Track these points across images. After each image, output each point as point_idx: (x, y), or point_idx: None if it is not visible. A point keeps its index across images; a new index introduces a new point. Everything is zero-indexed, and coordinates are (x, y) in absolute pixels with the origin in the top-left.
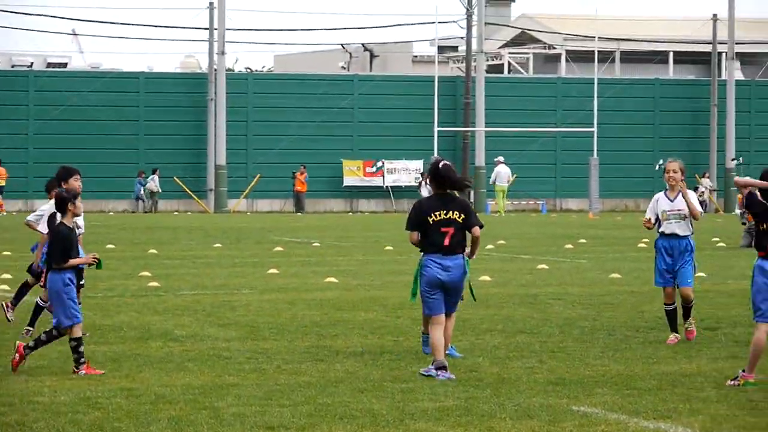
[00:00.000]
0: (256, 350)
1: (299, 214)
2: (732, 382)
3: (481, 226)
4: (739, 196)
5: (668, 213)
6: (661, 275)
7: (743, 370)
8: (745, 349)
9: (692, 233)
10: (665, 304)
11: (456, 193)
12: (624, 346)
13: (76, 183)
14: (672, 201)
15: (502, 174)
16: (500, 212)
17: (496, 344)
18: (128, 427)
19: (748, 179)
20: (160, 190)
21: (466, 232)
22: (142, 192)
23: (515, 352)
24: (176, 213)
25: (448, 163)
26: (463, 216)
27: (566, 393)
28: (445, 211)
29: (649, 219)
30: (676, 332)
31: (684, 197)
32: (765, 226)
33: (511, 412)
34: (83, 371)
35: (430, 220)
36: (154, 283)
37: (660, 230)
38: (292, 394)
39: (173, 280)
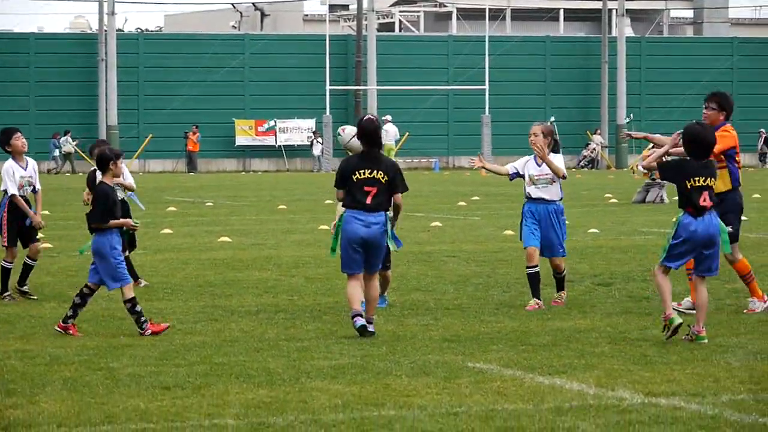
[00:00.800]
0: (150, 310)
1: (192, 174)
2: (686, 338)
3: (404, 190)
4: (646, 152)
5: (536, 177)
6: (530, 236)
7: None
8: (639, 304)
9: (561, 198)
10: (527, 267)
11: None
12: (518, 302)
13: (18, 142)
14: (539, 166)
15: (390, 133)
16: None
17: (391, 302)
18: (23, 389)
19: (651, 157)
20: (73, 151)
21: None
22: (57, 153)
23: (410, 310)
24: (68, 174)
25: (372, 117)
26: (386, 178)
27: (461, 350)
28: (369, 171)
29: (507, 170)
30: (539, 298)
31: (545, 161)
32: (692, 182)
33: (407, 369)
34: (149, 330)
35: (354, 178)
36: (47, 245)
37: (527, 193)
38: (187, 354)
39: (66, 242)
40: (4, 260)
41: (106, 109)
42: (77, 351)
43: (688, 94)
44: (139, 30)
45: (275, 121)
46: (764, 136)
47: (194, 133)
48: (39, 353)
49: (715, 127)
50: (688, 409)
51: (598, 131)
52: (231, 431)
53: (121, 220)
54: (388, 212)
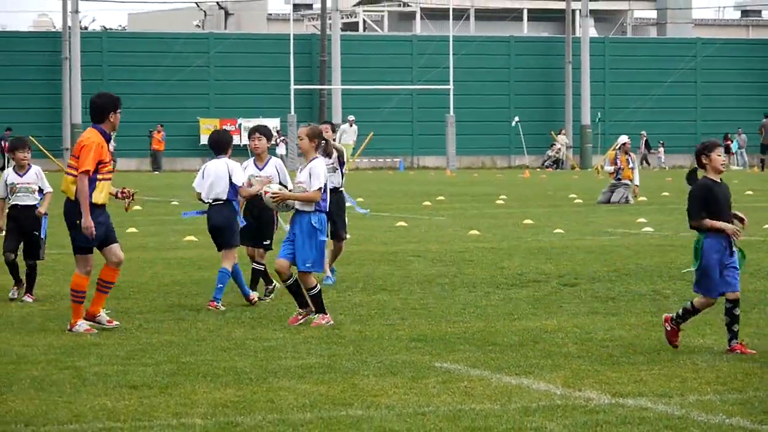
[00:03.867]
0: (117, 309)
1: (156, 172)
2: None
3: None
4: (611, 152)
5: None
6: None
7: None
8: (605, 304)
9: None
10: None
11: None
12: (485, 302)
13: (252, 143)
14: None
15: (350, 132)
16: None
17: (357, 302)
18: None
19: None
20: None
21: None
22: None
23: (377, 310)
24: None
25: None
26: None
27: (429, 350)
28: None
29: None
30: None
31: (292, 199)
32: None
33: (374, 369)
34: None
35: None
36: None
37: None
38: (154, 353)
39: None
40: (254, 262)
41: (70, 108)
42: (44, 350)
43: (652, 94)
44: (103, 28)
45: (240, 121)
46: (645, 138)
47: (159, 132)
48: (6, 352)
49: None
50: (655, 409)
51: (563, 131)
52: (198, 430)
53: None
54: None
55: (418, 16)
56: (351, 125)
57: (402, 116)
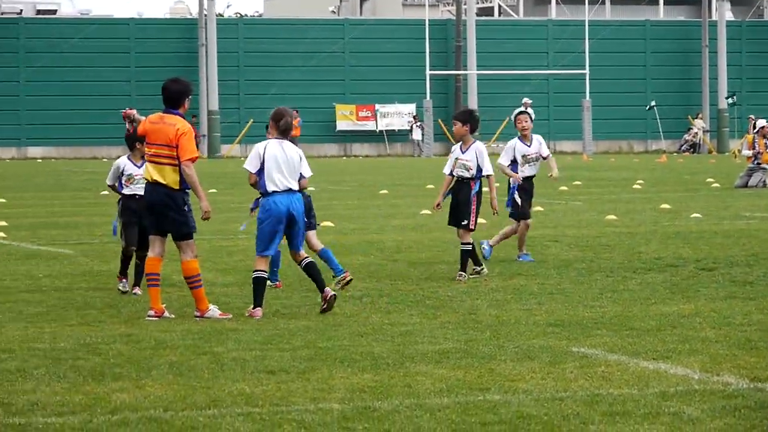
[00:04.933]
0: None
1: None
2: None
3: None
4: (749, 136)
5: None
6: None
7: None
8: (743, 288)
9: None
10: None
11: None
12: (621, 287)
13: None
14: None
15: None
16: None
17: (494, 287)
18: (129, 373)
19: None
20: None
21: None
22: None
23: (513, 295)
24: None
25: None
26: None
27: (566, 334)
28: None
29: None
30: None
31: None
32: None
33: (512, 354)
34: None
35: None
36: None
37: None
38: (291, 339)
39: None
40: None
41: (207, 95)
42: (182, 335)
43: None
44: (238, 15)
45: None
46: (753, 122)
47: (295, 119)
48: (144, 338)
49: None
50: None
51: (700, 115)
52: (336, 415)
53: None
54: None
55: (553, 0)
56: (526, 108)
57: (538, 101)
